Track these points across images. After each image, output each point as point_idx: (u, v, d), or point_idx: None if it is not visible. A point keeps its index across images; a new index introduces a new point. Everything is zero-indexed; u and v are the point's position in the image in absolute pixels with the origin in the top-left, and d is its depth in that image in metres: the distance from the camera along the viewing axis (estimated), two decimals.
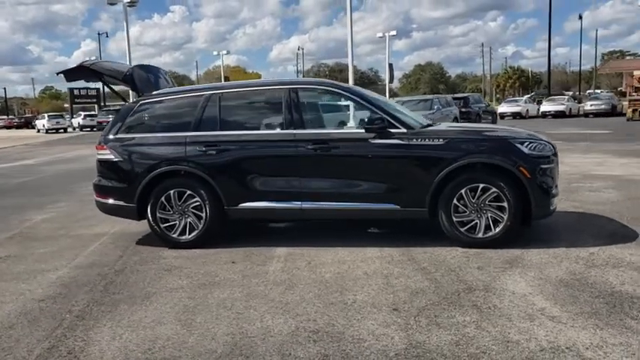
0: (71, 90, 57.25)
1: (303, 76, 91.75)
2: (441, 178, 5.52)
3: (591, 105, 37.87)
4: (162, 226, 6.07)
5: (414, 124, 5.85)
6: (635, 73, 33.89)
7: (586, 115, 37.64)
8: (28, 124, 61.31)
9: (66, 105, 71.51)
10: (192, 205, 6.00)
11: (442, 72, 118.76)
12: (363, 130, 5.71)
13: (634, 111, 29.50)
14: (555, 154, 5.78)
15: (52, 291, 4.83)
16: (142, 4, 32.37)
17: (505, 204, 5.47)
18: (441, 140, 5.60)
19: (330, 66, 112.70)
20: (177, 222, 6.06)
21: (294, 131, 5.81)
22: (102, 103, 58.04)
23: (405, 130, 5.67)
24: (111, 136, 6.29)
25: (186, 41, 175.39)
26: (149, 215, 6.08)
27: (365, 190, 5.72)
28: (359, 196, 5.74)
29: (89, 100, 58.08)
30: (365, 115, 6.09)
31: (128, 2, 29.11)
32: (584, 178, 10.07)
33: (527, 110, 39.88)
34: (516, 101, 43.17)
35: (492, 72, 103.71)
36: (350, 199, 5.76)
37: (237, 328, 3.85)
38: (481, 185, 5.50)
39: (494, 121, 29.10)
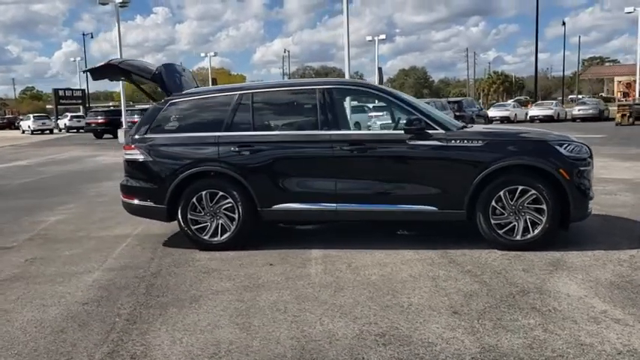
0: (56, 90, 56.52)
1: (289, 79, 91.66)
2: (480, 179, 5.48)
3: (579, 110, 38.29)
4: (193, 227, 5.95)
5: (450, 126, 5.81)
6: (622, 78, 34.32)
7: (574, 119, 38.03)
8: (11, 124, 60.35)
9: (49, 106, 70.58)
10: (224, 207, 5.90)
11: (426, 77, 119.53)
12: (400, 131, 5.66)
13: (623, 116, 29.89)
14: (591, 156, 5.78)
15: (93, 294, 4.70)
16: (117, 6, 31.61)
17: (544, 206, 5.45)
18: (479, 142, 5.57)
19: (315, 69, 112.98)
20: (208, 223, 5.94)
21: (330, 132, 5.74)
22: (87, 104, 57.40)
23: (442, 132, 5.63)
24: (139, 136, 6.16)
25: (169, 43, 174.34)
26: (180, 217, 5.96)
27: (402, 192, 5.67)
28: (396, 198, 5.68)
29: (74, 101, 57.35)
30: (388, 117, 6.05)
31: (120, 2, 28.78)
32: (595, 181, 10.10)
33: (516, 114, 40.19)
34: (505, 106, 43.51)
35: (475, 77, 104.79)
36: (386, 201, 5.70)
37: (299, 332, 3.77)
38: (520, 187, 5.48)
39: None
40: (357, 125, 6.56)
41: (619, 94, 31.39)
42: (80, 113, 52.20)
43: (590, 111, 37.31)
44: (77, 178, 13.64)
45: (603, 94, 74.96)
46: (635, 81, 34.30)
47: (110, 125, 34.30)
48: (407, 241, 6.15)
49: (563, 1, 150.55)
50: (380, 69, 35.35)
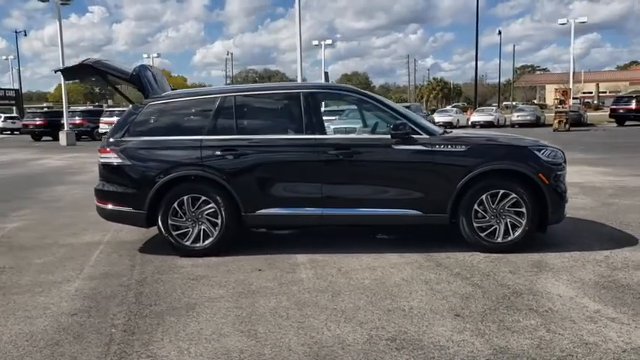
0: None
1: (232, 82, 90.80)
2: (464, 184, 5.60)
3: (518, 116, 39.73)
4: (174, 233, 5.79)
5: (433, 131, 5.91)
6: (559, 86, 35.90)
7: (512, 125, 39.39)
8: None
9: None
10: (206, 212, 5.77)
11: (367, 82, 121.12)
12: (386, 136, 5.71)
13: (560, 122, 31.23)
14: (565, 161, 6.00)
15: (80, 304, 4.49)
16: (54, 4, 30.43)
17: (524, 209, 5.62)
18: (463, 147, 5.68)
19: (258, 72, 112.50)
20: (190, 229, 5.80)
21: (316, 136, 5.72)
22: (21, 105, 54.97)
23: (427, 136, 5.72)
24: (115, 139, 5.95)
25: (105, 43, 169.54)
26: (160, 222, 5.79)
27: (387, 195, 5.71)
28: (381, 201, 5.72)
29: (6, 102, 54.76)
30: (373, 121, 6.11)
31: (61, 0, 27.73)
32: None
33: (458, 120, 41.29)
34: (447, 111, 44.63)
35: (415, 83, 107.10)
36: (372, 205, 5.73)
37: (309, 338, 3.73)
38: (501, 191, 5.63)
39: None
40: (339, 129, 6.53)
41: (556, 101, 32.66)
42: (14, 114, 49.85)
43: (528, 117, 38.79)
44: (26, 182, 13.02)
45: (535, 101, 78.23)
46: (570, 89, 35.93)
47: (49, 127, 32.92)
48: (389, 244, 6.21)
49: (495, 11, 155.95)
50: (326, 73, 35.48)
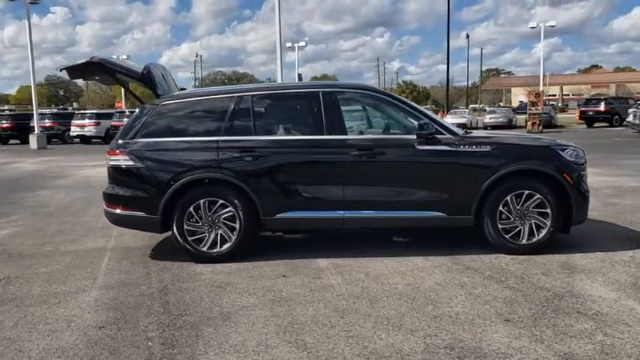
0: None
1: (201, 84, 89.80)
2: (489, 184, 5.49)
3: (490, 118, 40.14)
4: (190, 239, 5.54)
5: (456, 131, 5.79)
6: (531, 89, 36.47)
7: (485, 127, 39.79)
8: None
9: None
10: (223, 216, 5.53)
11: None
12: (410, 136, 5.56)
13: (533, 124, 31.68)
14: (586, 161, 5.95)
15: (105, 316, 4.21)
16: (20, 3, 29.60)
17: (548, 210, 5.54)
18: (487, 147, 5.58)
19: (227, 74, 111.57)
20: (206, 234, 5.56)
21: (337, 137, 5.54)
22: None
23: (451, 136, 5.60)
24: (126, 141, 5.66)
25: (69, 44, 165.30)
26: (175, 228, 5.52)
27: (411, 197, 5.56)
28: (405, 204, 5.57)
29: None
30: (393, 121, 5.98)
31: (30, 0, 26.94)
32: None
33: (471, 122, 41.35)
34: (460, 112, 44.66)
35: (384, 86, 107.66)
36: (395, 207, 5.58)
37: (362, 348, 3.55)
38: (526, 192, 5.54)
39: None
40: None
41: (529, 103, 33.15)
42: None
43: (501, 119, 39.24)
44: (5, 187, 12.48)
45: (502, 104, 79.51)
46: (543, 91, 36.53)
47: (17, 130, 31.79)
48: (409, 247, 6.04)
49: (461, 15, 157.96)
50: (300, 75, 35.46)
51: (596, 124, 35.98)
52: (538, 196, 5.53)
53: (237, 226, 5.52)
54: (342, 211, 5.56)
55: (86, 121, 30.81)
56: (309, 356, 3.45)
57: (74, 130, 30.77)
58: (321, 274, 5.13)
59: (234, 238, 5.54)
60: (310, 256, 5.69)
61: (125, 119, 22.79)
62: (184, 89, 6.57)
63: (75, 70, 5.85)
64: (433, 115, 5.94)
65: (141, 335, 3.83)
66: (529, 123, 31.98)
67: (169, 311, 4.27)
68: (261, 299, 4.50)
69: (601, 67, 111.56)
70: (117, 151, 5.66)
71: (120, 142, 5.69)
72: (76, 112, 36.54)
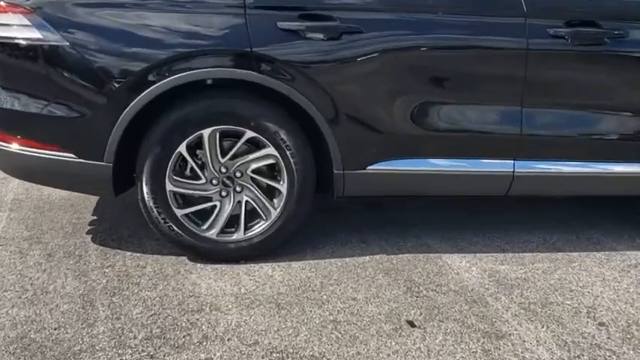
0: None
1: None
2: None
3: None
4: (178, 211, 2.54)
5: None
6: None
7: None
8: None
9: None
10: (254, 166, 2.59)
11: None
12: None
13: None
14: None
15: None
16: None
17: None
18: None
19: None
20: (214, 202, 2.60)
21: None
22: None
23: None
24: None
25: None
26: (144, 188, 2.51)
27: None
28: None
29: None
30: None
31: None
32: None
33: None
34: None
35: None
36: (623, 157, 2.82)
37: None
38: None
39: None
40: None
41: None
42: None
43: None
44: None
45: None
46: None
47: None
48: (564, 230, 3.33)
49: None
50: None
51: None
52: None
53: (283, 187, 2.58)
54: (511, 161, 2.72)
55: None
56: None
57: None
58: (486, 298, 2.36)
59: (275, 211, 2.60)
60: (419, 249, 2.88)
61: None
62: None
63: None
64: None
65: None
66: None
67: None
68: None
69: None
70: (17, 7, 2.43)
71: None
72: None
